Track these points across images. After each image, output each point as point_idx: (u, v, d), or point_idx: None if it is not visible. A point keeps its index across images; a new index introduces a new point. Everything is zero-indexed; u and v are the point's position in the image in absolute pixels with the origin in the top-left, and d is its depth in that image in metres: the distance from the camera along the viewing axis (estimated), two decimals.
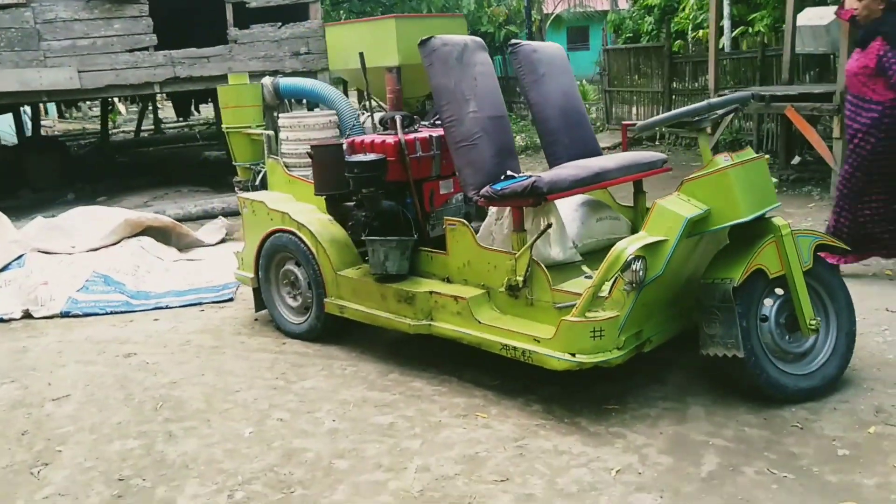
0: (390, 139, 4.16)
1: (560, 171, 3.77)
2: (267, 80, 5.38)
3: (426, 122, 4.57)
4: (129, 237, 6.80)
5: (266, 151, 4.94)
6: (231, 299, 5.69)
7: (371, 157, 4.01)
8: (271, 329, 4.93)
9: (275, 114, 5.37)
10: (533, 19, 19.67)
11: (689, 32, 16.77)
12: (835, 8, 10.25)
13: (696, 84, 12.84)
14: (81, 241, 6.54)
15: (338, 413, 3.68)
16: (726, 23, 13.26)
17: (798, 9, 9.34)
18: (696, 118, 3.40)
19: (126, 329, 5.17)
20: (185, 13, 11.49)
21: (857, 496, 2.76)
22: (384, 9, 16.53)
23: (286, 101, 5.43)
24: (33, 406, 3.97)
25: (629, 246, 3.26)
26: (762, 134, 10.29)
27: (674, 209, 3.32)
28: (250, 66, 10.46)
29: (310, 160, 4.79)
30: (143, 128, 21.45)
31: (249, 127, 5.20)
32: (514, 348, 3.56)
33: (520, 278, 3.64)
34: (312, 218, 4.55)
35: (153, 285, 6.08)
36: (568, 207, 4.34)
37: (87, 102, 26.20)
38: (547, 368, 3.47)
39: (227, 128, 5.23)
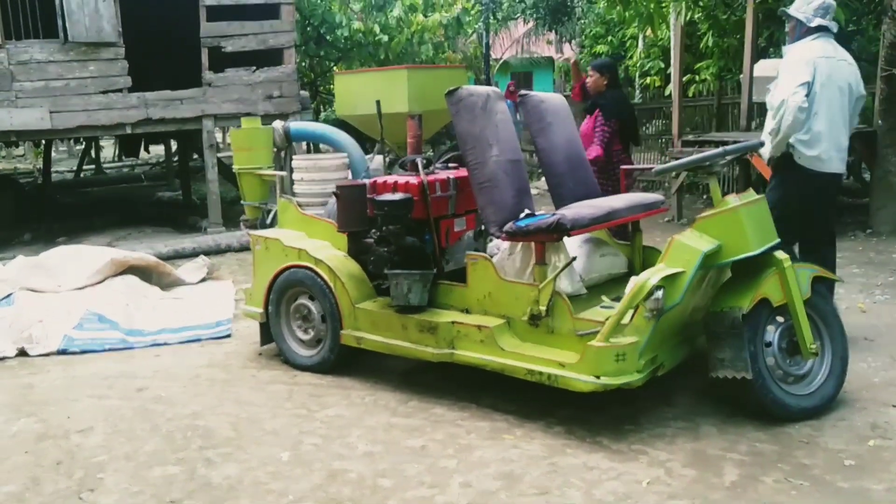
0: (413, 180, 4.40)
1: (578, 209, 4.06)
2: (278, 124, 5.58)
3: (439, 165, 4.84)
4: (112, 276, 6.80)
5: (279, 191, 5.10)
6: (229, 335, 5.76)
7: (399, 196, 4.24)
8: (278, 363, 5.03)
9: (282, 154, 5.57)
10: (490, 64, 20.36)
11: (637, 79, 17.67)
12: None
13: (653, 129, 13.51)
14: (67, 281, 6.51)
15: (368, 438, 3.83)
16: (672, 72, 14.05)
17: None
18: (709, 163, 3.76)
19: (130, 364, 5.19)
20: (160, 55, 11.61)
21: (868, 500, 3.07)
22: (341, 53, 16.92)
23: (293, 144, 5.62)
24: (59, 437, 3.99)
25: (652, 276, 3.56)
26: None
27: (690, 244, 3.65)
28: (223, 109, 10.63)
29: (322, 200, 5.03)
30: (83, 167, 21.11)
31: (261, 168, 5.37)
32: (540, 373, 3.79)
33: (543, 308, 3.89)
34: (329, 254, 4.73)
35: (144, 323, 6.10)
36: (573, 244, 4.64)
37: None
38: (571, 391, 3.71)
39: (238, 169, 5.39)
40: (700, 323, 3.98)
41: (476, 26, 18.27)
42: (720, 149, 3.73)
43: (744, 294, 3.72)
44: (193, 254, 8.85)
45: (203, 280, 7.48)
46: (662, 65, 16.52)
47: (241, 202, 5.54)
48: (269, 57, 10.98)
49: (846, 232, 8.58)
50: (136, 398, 4.53)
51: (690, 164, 3.80)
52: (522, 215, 4.15)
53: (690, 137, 9.80)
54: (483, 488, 3.28)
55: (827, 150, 4.58)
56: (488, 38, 16.09)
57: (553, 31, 26.10)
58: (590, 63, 7.10)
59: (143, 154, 22.63)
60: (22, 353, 5.48)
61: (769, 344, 3.82)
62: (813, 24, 4.66)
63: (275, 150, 5.51)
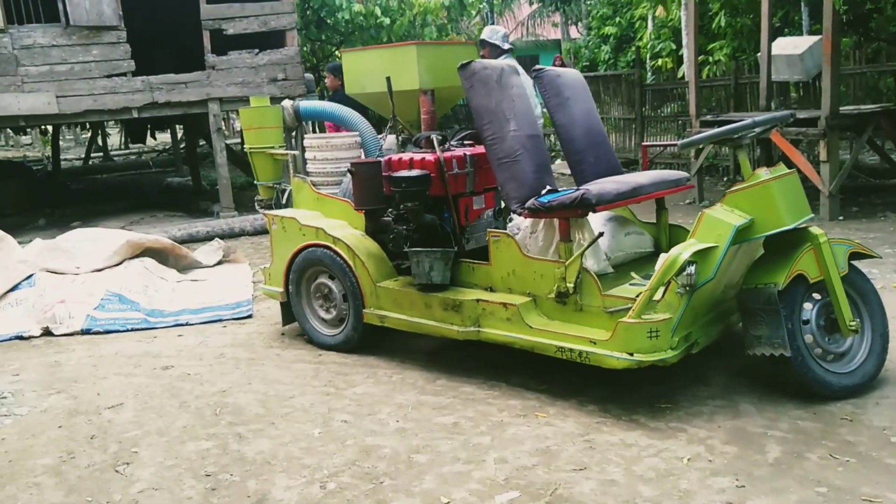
0: (430, 157, 4.35)
1: (603, 185, 4.01)
2: (287, 103, 5.50)
3: (454, 143, 4.78)
4: (130, 258, 6.77)
5: (292, 171, 5.06)
6: (250, 316, 5.74)
7: (416, 172, 4.20)
8: (302, 342, 5.01)
9: (293, 134, 5.51)
10: None
11: (648, 61, 17.53)
12: (811, 38, 10.96)
13: (666, 111, 13.43)
14: (85, 262, 6.48)
15: (399, 415, 3.81)
16: (686, 52, 13.92)
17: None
18: (738, 135, 3.70)
19: (154, 344, 5.18)
20: (164, 40, 11.55)
21: None
22: (342, 37, 16.81)
23: (304, 122, 5.56)
24: (91, 413, 3.98)
25: (684, 251, 3.52)
26: (716, 159, 10.75)
27: (722, 218, 3.60)
28: (228, 92, 10.57)
29: (336, 179, 4.99)
30: (90, 155, 21.09)
31: (273, 147, 5.31)
32: (571, 350, 3.76)
33: (570, 285, 3.85)
34: (347, 233, 4.69)
35: (164, 304, 6.08)
36: (597, 222, 4.59)
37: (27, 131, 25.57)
38: (604, 369, 3.68)
39: (249, 148, 5.33)
40: (732, 301, 3.95)
41: (480, 7, 18.09)
42: (749, 120, 3.66)
43: (779, 270, 3.67)
44: (208, 237, 8.85)
45: (219, 263, 7.47)
46: (673, 46, 16.37)
47: (255, 182, 5.49)
48: (272, 39, 10.91)
49: (876, 213, 8.52)
50: (164, 376, 4.52)
51: (720, 135, 3.73)
52: (544, 191, 4.10)
53: (709, 117, 9.71)
54: (520, 464, 3.26)
55: None
56: (493, 20, 15.94)
57: (559, 13, 25.93)
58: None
59: (149, 141, 22.62)
60: (47, 332, 5.48)
61: (806, 321, 3.76)
62: (505, 48, 6.19)
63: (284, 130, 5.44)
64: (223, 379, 4.42)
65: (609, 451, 3.34)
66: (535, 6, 26.35)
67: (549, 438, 3.49)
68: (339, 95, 7.22)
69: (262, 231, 9.38)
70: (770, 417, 3.58)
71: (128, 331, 5.48)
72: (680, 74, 13.63)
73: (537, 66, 4.75)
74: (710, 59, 13.47)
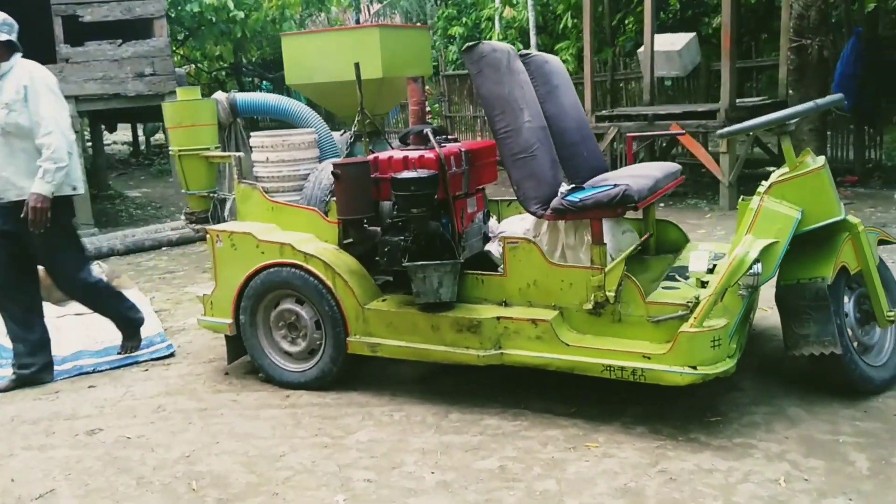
0: (429, 154, 3.75)
1: (633, 179, 3.60)
2: (221, 96, 4.67)
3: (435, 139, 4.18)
4: None
5: (236, 176, 4.25)
6: (172, 354, 4.82)
7: (426, 173, 3.59)
8: (257, 382, 4.22)
9: (225, 133, 4.68)
10: None
11: None
12: (687, 35, 11.27)
13: None
14: None
15: (430, 464, 3.19)
16: (533, 52, 14.02)
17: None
18: (795, 120, 3.41)
19: (60, 401, 4.16)
20: None
21: None
22: (188, 31, 15.52)
23: (239, 119, 4.75)
24: None
25: (750, 250, 3.17)
26: (615, 154, 10.78)
27: (782, 210, 3.30)
28: (86, 89, 9.24)
29: (294, 184, 4.26)
30: None
31: (208, 149, 4.46)
32: (622, 368, 3.31)
33: (611, 293, 3.41)
34: (320, 248, 3.99)
35: (53, 348, 4.98)
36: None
37: None
38: (663, 385, 3.27)
39: (178, 151, 4.44)
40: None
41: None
42: (811, 103, 3.38)
43: (824, 263, 3.43)
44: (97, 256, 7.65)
45: None
46: (521, 46, 16.53)
47: (184, 191, 4.60)
48: (137, 29, 9.65)
49: None
50: (95, 444, 3.59)
51: (778, 120, 3.41)
52: (566, 188, 3.63)
53: (604, 112, 9.66)
54: None
55: None
56: (358, 16, 15.30)
57: (398, 12, 25.58)
58: None
59: None
60: None
61: (846, 315, 3.56)
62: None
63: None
64: (179, 440, 3.57)
65: (693, 481, 2.93)
66: (377, 6, 25.85)
67: (619, 474, 3.02)
68: None
69: (136, 249, 8.23)
70: (827, 420, 3.34)
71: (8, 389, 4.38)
72: None
73: (524, 52, 4.27)
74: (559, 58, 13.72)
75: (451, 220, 3.82)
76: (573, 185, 3.64)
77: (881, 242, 3.76)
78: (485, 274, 3.76)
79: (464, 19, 21.52)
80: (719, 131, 3.65)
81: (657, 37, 10.50)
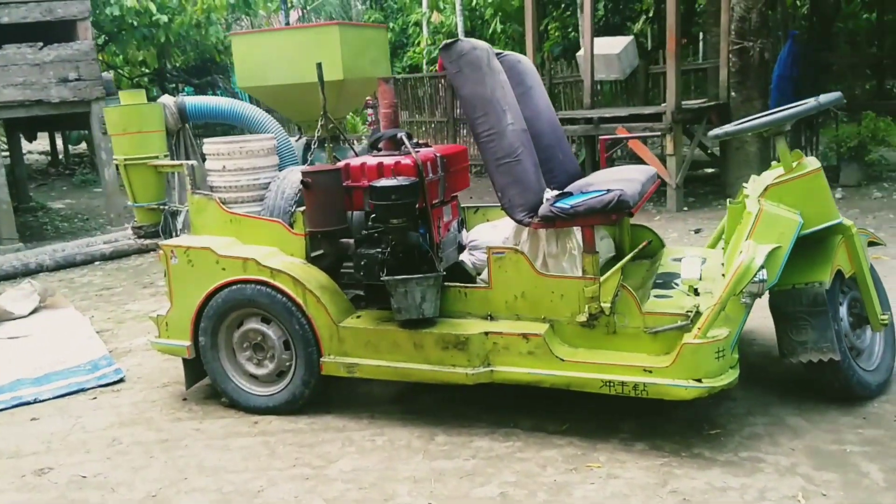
0: (405, 160, 3.51)
1: (625, 184, 3.44)
2: (168, 100, 4.30)
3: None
4: None
5: (189, 186, 3.92)
6: (122, 379, 4.43)
7: (407, 180, 3.34)
8: (220, 408, 3.90)
9: (173, 140, 4.33)
10: None
11: (426, 67, 17.44)
12: (625, 39, 11.31)
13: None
14: None
15: (424, 494, 2.95)
16: (505, 51, 13.92)
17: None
18: (795, 120, 3.30)
19: (1, 438, 3.75)
20: None
21: None
22: (108, 36, 14.78)
23: (188, 125, 4.39)
24: None
25: (756, 256, 3.04)
26: None
27: (783, 214, 3.19)
28: (5, 96, 8.64)
29: (254, 194, 3.97)
30: None
31: (157, 157, 4.10)
32: (622, 383, 3.14)
33: (606, 304, 3.24)
34: (288, 262, 3.70)
35: None
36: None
37: None
38: (668, 400, 3.12)
39: (125, 160, 4.06)
40: None
41: (268, 4, 16.81)
42: (813, 101, 3.26)
43: (820, 267, 3.34)
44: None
45: (35, 310, 5.89)
46: None
47: (130, 204, 4.22)
48: (60, 31, 9.06)
49: (710, 202, 8.84)
50: (46, 487, 3.22)
51: (780, 120, 3.28)
52: (551, 195, 3.45)
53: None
54: None
55: None
56: (287, 19, 14.82)
57: (320, 17, 25.14)
58: None
59: None
60: None
61: (840, 319, 3.48)
62: None
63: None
64: (142, 477, 3.23)
65: (708, 501, 2.79)
66: (296, 12, 25.31)
67: (629, 496, 2.85)
68: None
69: (66, 265, 7.70)
70: (829, 429, 3.26)
71: None
72: None
73: (497, 51, 4.07)
74: None
75: (430, 229, 3.60)
76: (560, 192, 3.46)
77: (870, 244, 3.71)
78: (469, 287, 3.55)
79: (391, 24, 21.32)
80: (711, 133, 3.53)
81: (597, 40, 10.48)
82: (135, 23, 14.39)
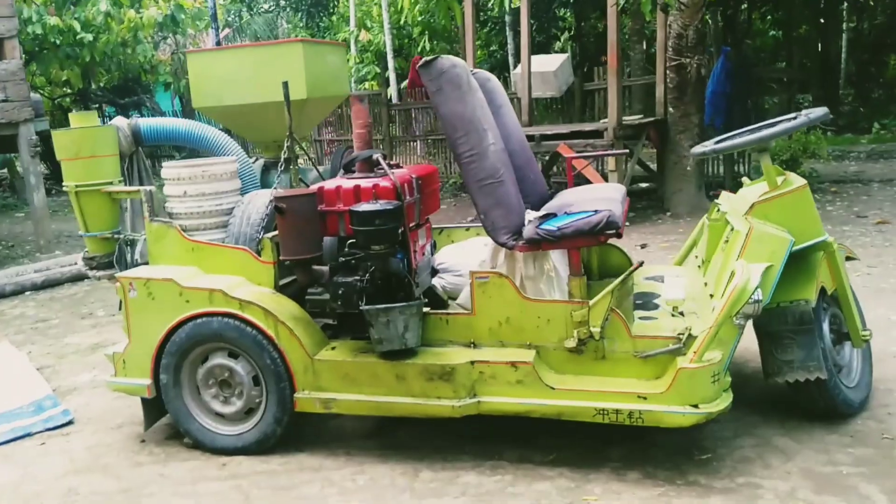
0: (384, 182, 3.36)
1: (608, 204, 3.36)
2: (122, 122, 4.04)
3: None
4: None
5: (146, 213, 3.67)
6: (71, 422, 4.11)
7: (389, 204, 3.19)
8: (183, 449, 3.64)
9: (125, 164, 4.06)
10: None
11: (354, 85, 17.33)
12: (561, 56, 11.41)
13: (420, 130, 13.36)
14: None
15: None
16: (392, 75, 13.98)
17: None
18: (781, 137, 3.28)
19: None
20: None
21: None
22: (28, 55, 14.14)
23: (141, 148, 4.12)
24: None
25: (751, 277, 2.99)
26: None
27: (774, 233, 3.16)
28: None
29: (217, 221, 3.76)
30: None
31: (110, 183, 3.83)
32: (616, 411, 3.04)
33: (596, 329, 3.15)
34: (256, 292, 3.49)
35: None
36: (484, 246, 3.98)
37: None
38: (664, 428, 3.03)
39: (76, 186, 3.78)
40: None
41: (196, 23, 16.32)
42: (804, 117, 3.25)
43: (805, 284, 3.33)
44: None
45: None
46: (378, 69, 16.40)
47: (81, 233, 3.93)
48: None
49: (649, 216, 8.93)
50: None
51: (769, 137, 3.25)
52: (535, 216, 3.35)
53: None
54: None
55: None
56: (218, 38, 14.42)
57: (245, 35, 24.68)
58: None
59: None
60: None
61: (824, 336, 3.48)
62: None
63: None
64: None
65: None
66: (227, 31, 24.82)
67: None
68: None
69: None
70: (819, 450, 3.24)
71: None
72: (389, 97, 13.71)
73: (472, 69, 3.96)
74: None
75: (408, 255, 3.45)
76: (545, 213, 3.37)
77: (847, 259, 3.73)
78: (448, 314, 3.41)
79: None
80: (694, 150, 3.49)
81: (534, 58, 10.55)
82: (57, 41, 13.80)
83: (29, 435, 3.96)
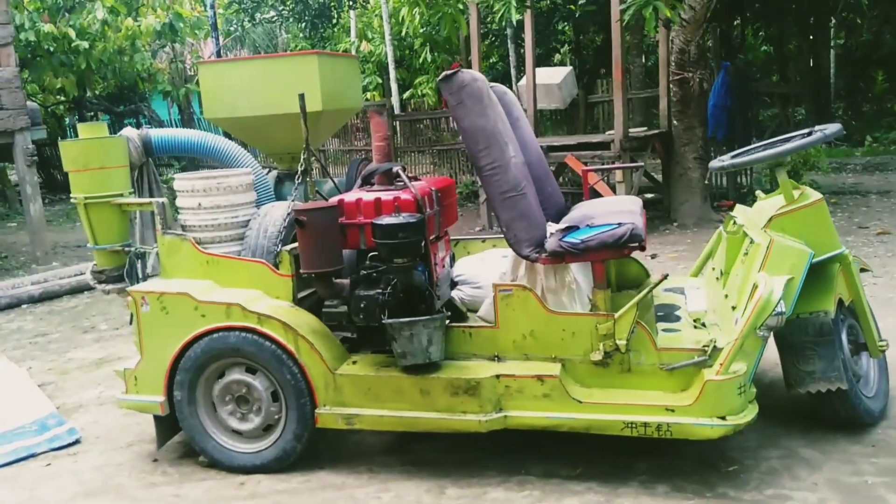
0: (405, 195, 3.33)
1: (630, 216, 3.35)
2: (132, 133, 3.99)
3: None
4: None
5: (159, 225, 3.62)
6: (78, 441, 4.03)
7: (413, 217, 3.16)
8: (198, 468, 3.58)
9: (135, 175, 4.01)
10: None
11: None
12: (564, 69, 11.44)
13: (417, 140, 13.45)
14: None
15: None
16: (393, 86, 14.02)
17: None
18: (797, 151, 3.29)
19: None
20: None
21: None
22: (21, 63, 14.05)
23: (151, 159, 4.07)
24: None
25: (774, 290, 2.98)
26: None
27: (794, 245, 3.16)
28: None
29: (233, 233, 3.72)
30: None
31: (121, 195, 3.77)
32: (645, 424, 3.02)
33: (622, 342, 3.12)
34: (275, 306, 3.44)
35: None
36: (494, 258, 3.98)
37: None
38: (692, 440, 3.01)
39: (85, 198, 3.73)
40: None
41: (196, 32, 16.28)
42: (819, 133, 3.26)
43: (824, 295, 3.33)
44: None
45: None
46: (380, 80, 16.45)
47: (90, 246, 3.87)
48: None
49: (657, 227, 8.94)
50: None
51: (786, 152, 3.27)
52: (557, 229, 3.33)
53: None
54: None
55: None
56: (219, 47, 14.40)
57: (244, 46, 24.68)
58: None
59: None
60: None
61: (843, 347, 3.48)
62: None
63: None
64: None
65: None
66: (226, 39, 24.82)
67: None
68: None
69: None
70: (843, 460, 3.24)
71: None
72: (391, 107, 13.80)
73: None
74: (418, 91, 14.00)
75: (429, 267, 3.42)
76: (567, 226, 3.35)
77: (861, 271, 3.73)
78: (471, 327, 3.37)
79: None
80: (712, 164, 3.50)
81: (538, 70, 10.57)
82: (51, 49, 13.72)
83: (33, 456, 3.87)
